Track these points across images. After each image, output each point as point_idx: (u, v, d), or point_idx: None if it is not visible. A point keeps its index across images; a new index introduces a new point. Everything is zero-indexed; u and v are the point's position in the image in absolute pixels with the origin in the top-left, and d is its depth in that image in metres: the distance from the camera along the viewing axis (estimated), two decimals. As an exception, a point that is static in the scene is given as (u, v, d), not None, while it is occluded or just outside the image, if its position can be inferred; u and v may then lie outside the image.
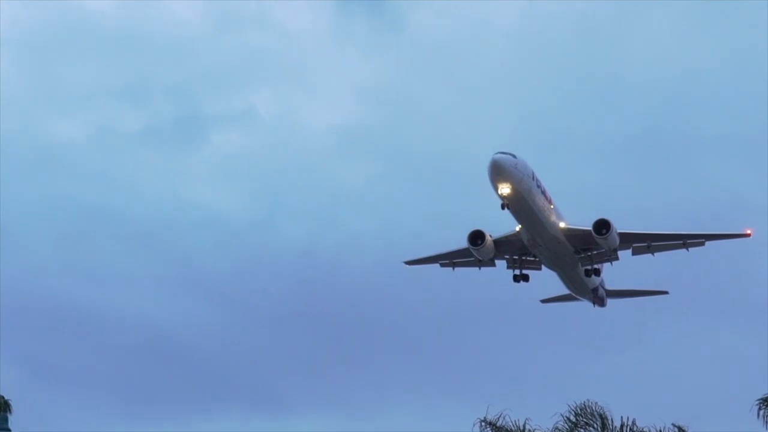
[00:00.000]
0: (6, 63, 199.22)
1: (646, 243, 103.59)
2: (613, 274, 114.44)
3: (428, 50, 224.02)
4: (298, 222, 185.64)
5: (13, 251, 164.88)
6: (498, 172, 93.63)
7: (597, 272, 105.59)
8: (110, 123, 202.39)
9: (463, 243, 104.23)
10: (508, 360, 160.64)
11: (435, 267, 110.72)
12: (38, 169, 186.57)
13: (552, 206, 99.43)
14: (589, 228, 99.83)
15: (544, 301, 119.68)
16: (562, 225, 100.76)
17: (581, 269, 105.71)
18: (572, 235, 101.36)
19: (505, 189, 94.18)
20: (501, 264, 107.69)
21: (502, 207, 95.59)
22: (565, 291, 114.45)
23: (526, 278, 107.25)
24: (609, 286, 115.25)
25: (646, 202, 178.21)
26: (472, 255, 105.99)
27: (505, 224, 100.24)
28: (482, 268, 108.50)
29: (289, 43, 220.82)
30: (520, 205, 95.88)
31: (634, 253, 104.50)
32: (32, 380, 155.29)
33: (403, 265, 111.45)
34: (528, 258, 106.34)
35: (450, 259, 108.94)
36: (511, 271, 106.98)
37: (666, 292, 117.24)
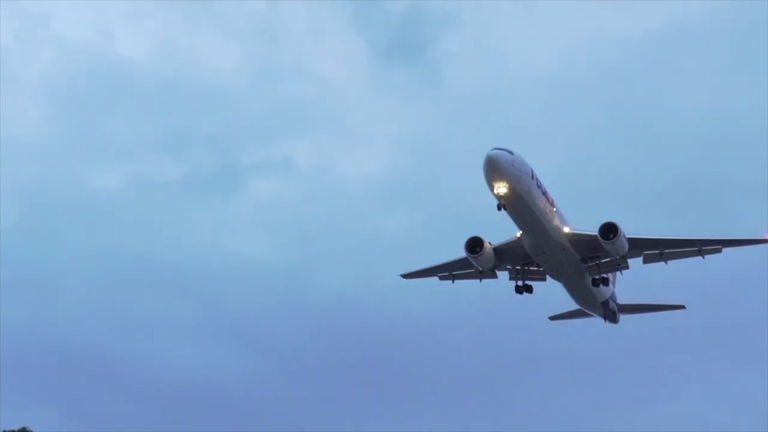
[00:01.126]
0: (47, 114, 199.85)
1: (658, 250, 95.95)
2: (627, 286, 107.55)
3: (465, 99, 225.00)
4: (334, 269, 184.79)
5: (54, 301, 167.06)
6: (493, 169, 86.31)
7: (605, 281, 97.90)
8: (150, 173, 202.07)
9: (462, 253, 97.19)
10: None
11: (434, 281, 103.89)
12: (79, 219, 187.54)
13: (555, 209, 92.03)
14: (596, 233, 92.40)
15: (552, 318, 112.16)
16: (566, 230, 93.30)
17: (589, 279, 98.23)
18: (577, 240, 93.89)
19: (501, 188, 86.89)
20: (503, 276, 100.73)
21: (499, 208, 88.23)
22: (574, 306, 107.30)
23: (529, 289, 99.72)
24: (621, 300, 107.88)
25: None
26: (471, 265, 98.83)
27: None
28: (483, 280, 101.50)
29: (327, 93, 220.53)
30: (518, 206, 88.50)
31: (645, 261, 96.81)
32: (73, 429, 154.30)
33: (402, 279, 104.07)
34: (531, 268, 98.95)
35: (449, 271, 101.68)
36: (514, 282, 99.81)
37: (683, 307, 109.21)
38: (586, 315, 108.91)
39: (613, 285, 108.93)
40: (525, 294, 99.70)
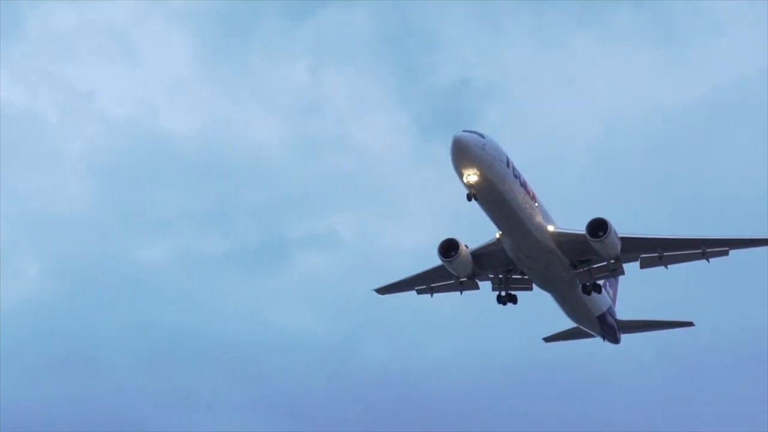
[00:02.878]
0: (91, 190, 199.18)
1: (657, 252, 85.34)
2: (628, 300, 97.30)
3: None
4: (380, 344, 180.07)
5: (98, 375, 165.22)
6: (461, 153, 76.23)
7: (597, 288, 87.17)
8: (194, 246, 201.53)
9: (438, 261, 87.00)
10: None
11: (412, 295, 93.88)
12: (123, 294, 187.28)
13: (536, 204, 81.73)
14: (584, 231, 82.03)
15: (547, 339, 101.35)
16: (550, 228, 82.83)
17: (580, 289, 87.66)
18: (564, 241, 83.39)
19: (471, 176, 76.78)
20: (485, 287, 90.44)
21: (468, 198, 78.12)
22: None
23: (513, 299, 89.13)
24: (621, 316, 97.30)
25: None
26: (449, 275, 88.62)
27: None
28: (464, 292, 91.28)
29: (370, 166, 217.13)
30: (491, 196, 78.23)
31: (643, 266, 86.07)
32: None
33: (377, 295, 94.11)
34: (515, 276, 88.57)
35: (427, 283, 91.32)
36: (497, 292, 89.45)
37: (691, 324, 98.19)
38: (583, 335, 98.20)
39: (613, 300, 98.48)
40: (509, 305, 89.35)
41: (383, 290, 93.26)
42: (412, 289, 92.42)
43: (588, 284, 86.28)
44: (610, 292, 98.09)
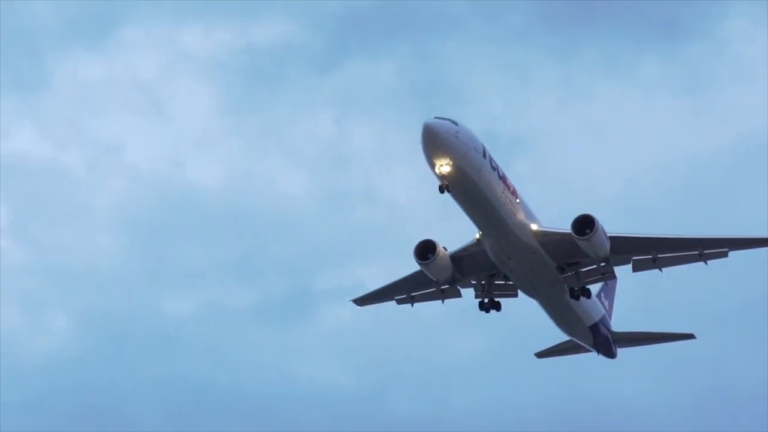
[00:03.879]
0: (119, 243, 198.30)
1: (650, 254, 79.14)
2: (626, 313, 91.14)
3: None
4: (409, 397, 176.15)
5: (126, 429, 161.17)
6: (432, 142, 70.47)
7: (585, 292, 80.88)
8: (221, 299, 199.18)
9: (417, 267, 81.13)
10: None
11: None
12: (150, 347, 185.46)
13: (518, 201, 75.83)
14: (569, 230, 75.98)
15: (539, 354, 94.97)
16: (534, 227, 76.82)
17: (568, 294, 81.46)
18: (549, 241, 77.29)
19: (444, 167, 71.04)
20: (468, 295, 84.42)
21: (441, 189, 72.29)
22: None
23: (496, 306, 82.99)
24: (617, 327, 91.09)
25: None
26: (429, 282, 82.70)
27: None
28: (446, 301, 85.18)
29: (396, 218, 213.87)
30: (466, 188, 72.35)
31: (635, 269, 79.86)
32: None
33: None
34: (498, 281, 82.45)
35: (406, 291, 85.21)
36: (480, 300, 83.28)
37: (692, 336, 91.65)
38: (578, 348, 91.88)
39: (609, 311, 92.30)
40: (492, 312, 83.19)
41: (361, 301, 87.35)
42: (392, 298, 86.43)
43: (576, 288, 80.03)
44: (605, 302, 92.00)
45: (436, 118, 71.03)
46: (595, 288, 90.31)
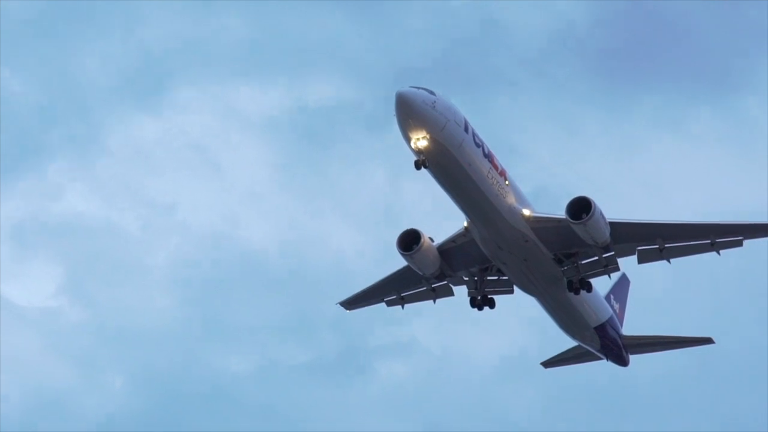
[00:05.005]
0: (174, 302, 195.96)
1: (656, 243, 72.02)
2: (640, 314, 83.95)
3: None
4: None
5: None
6: (406, 112, 63.77)
7: (585, 285, 73.68)
8: (276, 357, 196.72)
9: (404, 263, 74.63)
10: None
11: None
12: (205, 405, 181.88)
13: (507, 183, 69.04)
14: (565, 215, 69.07)
15: (546, 364, 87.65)
16: (526, 212, 69.94)
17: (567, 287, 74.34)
18: (543, 227, 70.31)
19: (420, 141, 64.44)
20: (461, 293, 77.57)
21: (417, 165, 65.63)
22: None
23: (490, 303, 76.02)
24: (628, 330, 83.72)
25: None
26: (418, 279, 76.10)
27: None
28: (437, 300, 78.60)
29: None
30: (446, 166, 65.60)
31: (641, 260, 72.66)
32: None
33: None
34: (491, 277, 75.57)
35: (396, 290, 78.43)
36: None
37: (710, 341, 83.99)
38: (587, 356, 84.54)
39: (620, 315, 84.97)
40: (486, 309, 76.25)
41: (348, 304, 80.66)
42: (381, 299, 79.68)
43: (574, 281, 72.92)
44: (616, 305, 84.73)
45: (411, 87, 64.59)
46: (604, 289, 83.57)
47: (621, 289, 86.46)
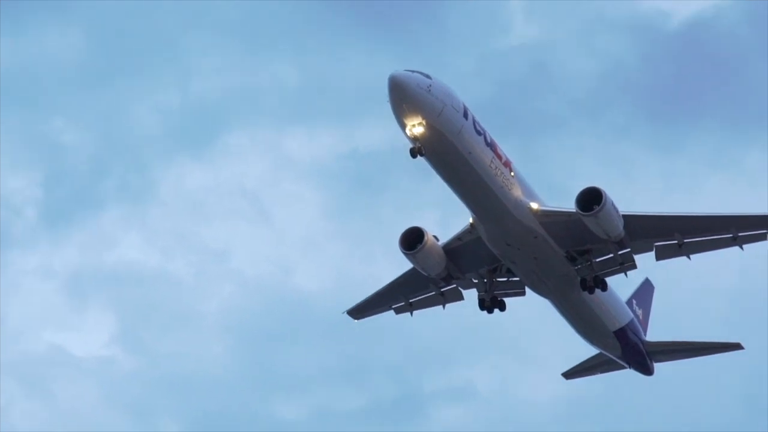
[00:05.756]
0: (228, 349, 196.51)
1: (674, 238, 67.82)
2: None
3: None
4: None
5: None
6: (400, 96, 59.99)
7: (600, 284, 69.50)
8: (330, 403, 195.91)
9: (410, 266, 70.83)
10: None
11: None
12: None
13: (513, 174, 65.17)
14: (575, 207, 65.04)
15: (567, 375, 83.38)
16: (534, 206, 66.00)
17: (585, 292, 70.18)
18: (553, 222, 66.26)
19: (417, 127, 60.73)
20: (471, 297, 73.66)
21: (413, 153, 61.90)
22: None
23: (500, 305, 72.04)
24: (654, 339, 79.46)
25: None
26: (425, 283, 72.36)
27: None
28: (447, 306, 74.91)
29: (505, 316, 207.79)
30: (443, 154, 61.75)
31: (659, 257, 68.49)
32: None
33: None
34: (500, 278, 71.61)
35: (403, 296, 74.57)
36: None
37: (740, 346, 79.30)
38: (610, 365, 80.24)
39: (644, 321, 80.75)
40: (496, 312, 72.30)
41: (356, 312, 76.94)
42: (389, 306, 75.96)
43: (588, 278, 68.74)
44: (639, 311, 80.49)
45: (406, 70, 61.03)
46: (625, 294, 79.46)
47: (644, 294, 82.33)
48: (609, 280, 71.30)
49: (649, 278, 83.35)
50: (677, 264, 70.45)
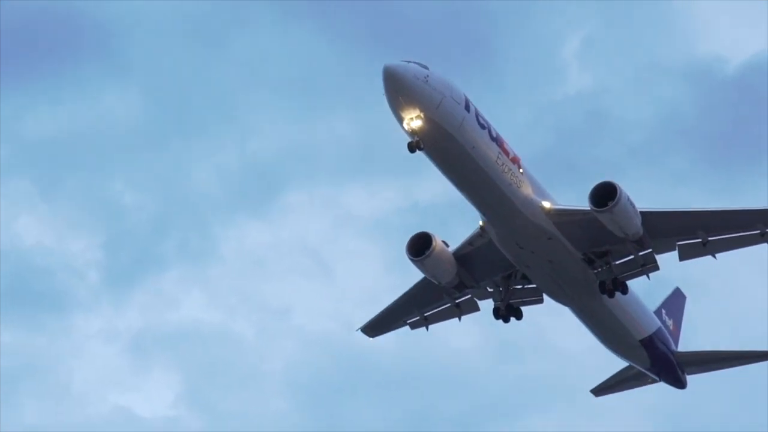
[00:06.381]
0: (291, 405, 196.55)
1: (698, 236, 63.84)
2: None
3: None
4: None
5: None
6: (395, 88, 56.59)
7: (619, 286, 65.53)
8: None
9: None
10: None
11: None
12: None
13: (521, 171, 61.58)
14: (588, 205, 61.31)
15: (597, 391, 79.24)
16: (546, 205, 62.38)
17: (605, 297, 66.22)
18: (567, 222, 62.58)
19: (414, 120, 57.40)
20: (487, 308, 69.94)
21: (411, 148, 58.49)
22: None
23: (516, 314, 68.21)
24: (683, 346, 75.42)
25: None
26: (439, 294, 68.81)
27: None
28: (462, 318, 71.13)
29: (566, 368, 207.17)
30: (444, 149, 58.33)
31: (682, 257, 64.48)
32: None
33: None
34: (515, 286, 67.82)
35: (417, 309, 70.88)
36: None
37: (774, 356, 74.95)
38: (641, 379, 76.13)
39: (674, 333, 76.68)
40: (513, 321, 68.46)
41: (370, 330, 73.33)
42: (403, 321, 72.28)
43: (606, 281, 64.81)
44: (669, 321, 76.44)
45: (402, 60, 57.74)
46: (654, 303, 75.57)
47: (674, 304, 78.35)
48: (633, 286, 67.94)
49: (680, 288, 79.66)
50: (710, 272, 66.90)
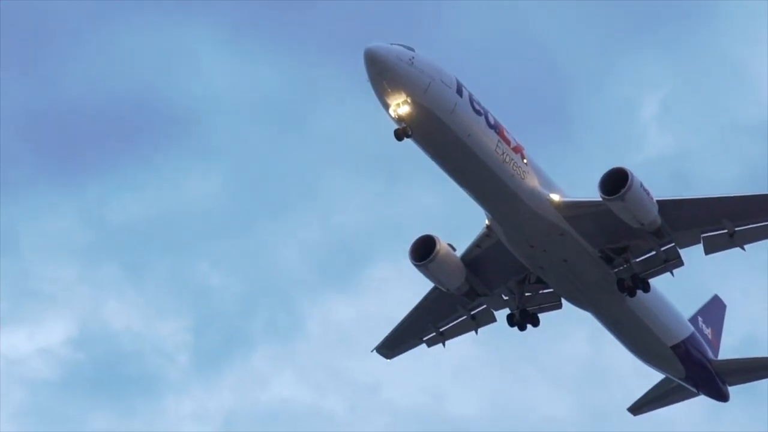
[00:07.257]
0: None
1: (724, 227, 58.81)
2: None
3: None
4: None
5: None
6: (378, 71, 52.28)
7: (642, 284, 60.48)
8: None
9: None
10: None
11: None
12: None
13: (525, 161, 57.08)
14: (599, 194, 56.63)
15: (634, 409, 73.86)
16: (555, 197, 57.72)
17: (627, 299, 61.32)
18: (579, 215, 57.85)
19: (401, 107, 53.11)
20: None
21: (397, 136, 54.18)
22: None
23: (533, 320, 63.35)
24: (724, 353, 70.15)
25: None
26: (452, 305, 64.31)
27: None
28: (479, 330, 66.48)
29: (662, 425, 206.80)
30: (436, 137, 53.97)
31: (708, 250, 59.43)
32: None
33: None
34: (529, 292, 63.11)
35: (432, 323, 66.15)
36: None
37: (825, 362, 69.16)
38: (680, 392, 70.80)
39: (713, 342, 71.32)
40: (529, 328, 63.70)
41: (385, 350, 68.85)
42: (419, 338, 67.68)
43: (625, 278, 59.89)
44: (707, 330, 71.11)
45: (391, 44, 53.70)
46: (689, 311, 70.47)
47: (713, 312, 73.01)
48: (664, 291, 63.27)
49: (719, 295, 74.52)
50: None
